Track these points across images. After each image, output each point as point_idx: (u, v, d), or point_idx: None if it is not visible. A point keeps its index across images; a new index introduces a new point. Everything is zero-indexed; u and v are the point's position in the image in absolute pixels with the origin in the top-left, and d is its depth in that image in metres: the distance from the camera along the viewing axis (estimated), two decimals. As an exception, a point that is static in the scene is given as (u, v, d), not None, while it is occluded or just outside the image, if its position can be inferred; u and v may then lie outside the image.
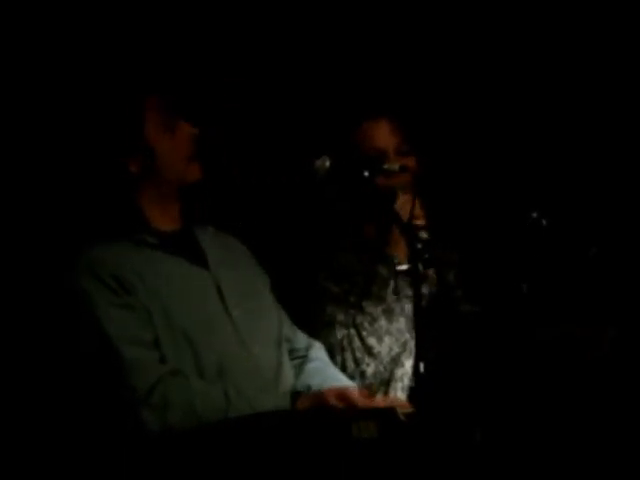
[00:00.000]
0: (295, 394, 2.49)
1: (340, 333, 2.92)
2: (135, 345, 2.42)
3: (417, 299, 2.34)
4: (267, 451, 2.16)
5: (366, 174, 2.60)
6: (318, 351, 2.82)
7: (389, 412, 2.25)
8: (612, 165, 3.47)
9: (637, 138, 3.45)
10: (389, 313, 2.95)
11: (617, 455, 2.38)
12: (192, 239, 2.68)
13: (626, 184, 3.44)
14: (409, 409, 2.34)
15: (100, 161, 2.61)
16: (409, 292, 2.95)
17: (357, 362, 2.91)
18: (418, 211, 2.77)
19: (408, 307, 2.97)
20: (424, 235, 2.74)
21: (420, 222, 2.75)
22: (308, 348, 2.81)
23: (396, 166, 2.69)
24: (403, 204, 2.72)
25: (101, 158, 2.61)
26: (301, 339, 2.82)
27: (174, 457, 2.31)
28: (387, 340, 2.94)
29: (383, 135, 2.98)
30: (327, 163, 2.56)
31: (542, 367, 2.45)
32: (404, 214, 2.69)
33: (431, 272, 2.94)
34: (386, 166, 2.68)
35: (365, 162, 2.69)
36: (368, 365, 2.92)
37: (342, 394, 2.46)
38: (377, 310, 2.96)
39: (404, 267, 2.76)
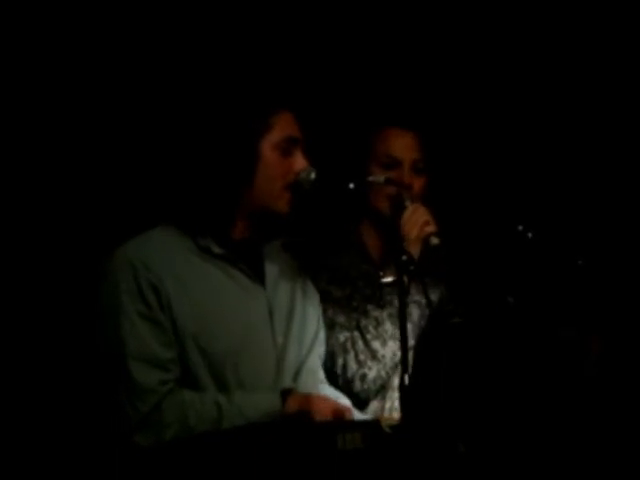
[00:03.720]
0: (284, 392, 2.48)
1: (342, 336, 2.91)
2: (147, 366, 2.41)
3: (402, 313, 2.34)
4: (253, 464, 2.16)
5: (351, 186, 2.60)
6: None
7: (374, 424, 2.26)
8: (597, 177, 3.49)
9: (622, 150, 3.47)
10: (395, 317, 2.93)
11: (610, 464, 2.38)
12: (258, 252, 2.63)
13: (612, 196, 3.46)
14: (395, 421, 2.35)
15: (207, 151, 2.55)
16: (416, 297, 2.96)
17: (360, 364, 2.90)
18: (428, 217, 2.75)
19: (415, 312, 2.96)
20: (435, 241, 2.72)
21: (430, 228, 2.75)
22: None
23: (381, 178, 2.68)
24: (412, 213, 2.73)
25: (210, 148, 2.54)
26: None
27: (163, 469, 2.31)
28: (391, 344, 2.93)
29: (404, 146, 2.94)
30: (312, 175, 2.56)
31: (536, 373, 2.45)
32: (412, 223, 2.70)
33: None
34: (371, 178, 2.68)
35: (350, 174, 2.69)
36: (370, 369, 2.91)
37: (328, 406, 2.46)
38: (382, 314, 2.95)
39: (389, 279, 2.76)
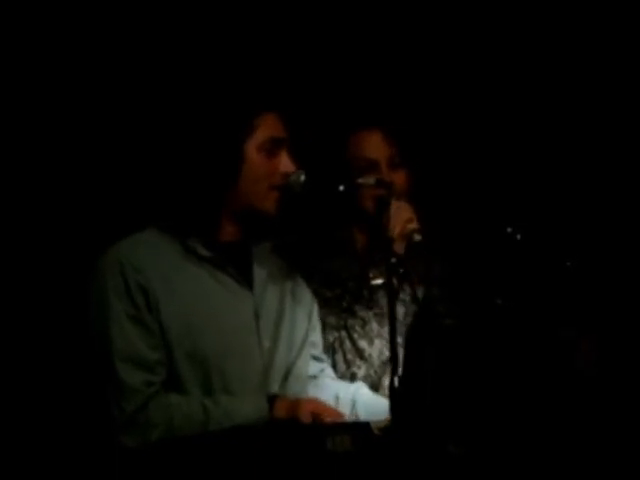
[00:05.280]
0: (271, 397, 2.49)
1: (331, 336, 2.91)
2: (133, 366, 2.41)
3: (392, 314, 2.34)
4: (243, 467, 2.16)
5: (341, 188, 2.60)
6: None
7: (363, 426, 2.26)
8: (587, 178, 3.49)
9: (610, 150, 3.48)
10: (381, 317, 2.95)
11: (605, 464, 2.39)
12: (246, 255, 2.63)
13: (601, 196, 3.47)
14: (385, 423, 2.35)
15: (191, 153, 2.54)
16: (401, 295, 2.94)
17: (348, 364, 2.92)
18: (411, 215, 2.76)
19: (401, 310, 2.94)
20: (417, 237, 2.73)
21: (413, 226, 2.75)
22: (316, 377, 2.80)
23: (372, 180, 2.68)
24: (396, 211, 2.72)
25: (194, 150, 2.54)
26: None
27: (150, 470, 2.32)
28: (378, 343, 2.94)
29: (375, 146, 2.95)
30: (302, 177, 2.56)
31: (527, 373, 2.45)
32: (397, 221, 2.70)
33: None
34: (361, 180, 2.67)
35: (340, 176, 2.69)
36: (359, 368, 2.93)
37: (315, 407, 2.46)
38: (369, 314, 2.96)
39: (379, 281, 2.76)
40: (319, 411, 2.44)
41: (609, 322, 2.72)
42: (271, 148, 2.56)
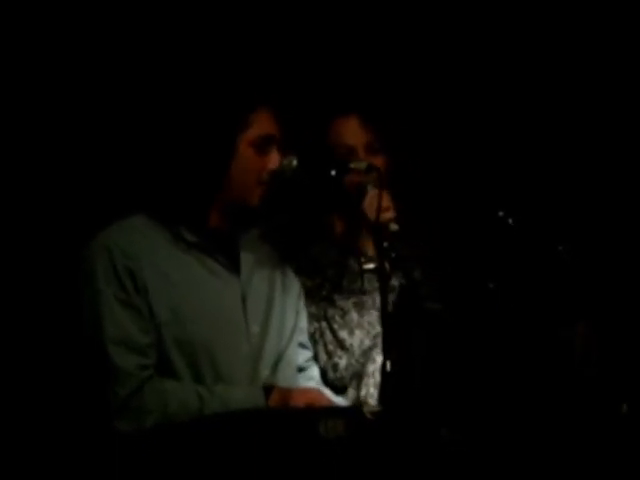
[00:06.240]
0: (267, 388, 2.50)
1: (312, 326, 2.91)
2: (126, 350, 2.42)
3: (384, 298, 2.34)
4: (234, 451, 2.16)
5: (333, 173, 2.60)
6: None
7: (356, 410, 2.26)
8: (579, 163, 3.50)
9: (603, 135, 3.48)
10: (360, 306, 2.95)
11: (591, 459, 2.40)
12: (234, 241, 2.64)
13: (594, 182, 3.47)
14: (376, 407, 2.35)
15: (185, 143, 2.56)
16: (377, 284, 2.95)
17: (329, 355, 2.91)
18: (387, 204, 2.77)
19: (379, 300, 2.95)
20: (394, 227, 2.73)
21: (389, 215, 2.75)
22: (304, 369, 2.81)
23: (363, 165, 2.67)
24: (373, 199, 2.71)
25: (188, 140, 2.55)
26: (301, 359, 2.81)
27: (144, 456, 2.32)
28: (358, 333, 2.93)
29: (352, 132, 2.94)
30: (294, 162, 2.57)
31: (518, 358, 2.46)
32: (374, 209, 2.69)
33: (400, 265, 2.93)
34: (353, 165, 2.67)
35: (332, 161, 2.69)
36: (340, 358, 2.91)
37: (310, 399, 2.47)
38: (348, 303, 2.95)
39: (371, 266, 2.76)
40: (314, 402, 2.46)
41: (602, 307, 2.73)
42: (262, 145, 2.58)
